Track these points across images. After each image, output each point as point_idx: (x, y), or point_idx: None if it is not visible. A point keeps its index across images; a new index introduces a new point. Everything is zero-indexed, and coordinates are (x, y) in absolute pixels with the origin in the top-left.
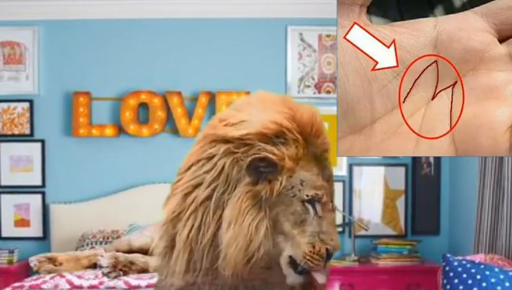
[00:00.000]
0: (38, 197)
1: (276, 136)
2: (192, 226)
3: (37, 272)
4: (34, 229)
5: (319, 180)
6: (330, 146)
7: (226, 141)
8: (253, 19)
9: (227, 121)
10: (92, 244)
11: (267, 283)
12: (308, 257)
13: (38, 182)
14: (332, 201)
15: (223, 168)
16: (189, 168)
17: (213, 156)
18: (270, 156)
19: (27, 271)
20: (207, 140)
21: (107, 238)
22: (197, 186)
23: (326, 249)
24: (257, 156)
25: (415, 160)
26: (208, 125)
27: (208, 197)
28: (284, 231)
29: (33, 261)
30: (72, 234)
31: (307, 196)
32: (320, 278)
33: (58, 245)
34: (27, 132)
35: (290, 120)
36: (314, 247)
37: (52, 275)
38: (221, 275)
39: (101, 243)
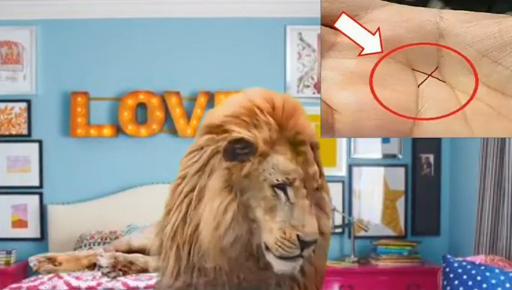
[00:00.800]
0: (36, 197)
1: (250, 117)
2: (177, 219)
3: (36, 272)
4: (32, 230)
5: (292, 164)
6: (305, 129)
7: (209, 130)
8: (252, 19)
9: (213, 111)
10: (90, 245)
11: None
12: (279, 243)
13: (36, 183)
14: (314, 186)
15: (207, 157)
16: (182, 160)
17: (201, 147)
18: (247, 136)
19: (25, 272)
20: (199, 133)
21: (105, 239)
22: (184, 177)
23: (298, 236)
24: (233, 137)
25: (415, 160)
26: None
27: (192, 189)
28: (257, 218)
29: (33, 261)
30: (69, 235)
31: (277, 180)
32: (282, 265)
33: (56, 246)
34: (24, 132)
35: (264, 101)
36: (284, 233)
37: (49, 276)
38: (211, 272)
39: (99, 244)
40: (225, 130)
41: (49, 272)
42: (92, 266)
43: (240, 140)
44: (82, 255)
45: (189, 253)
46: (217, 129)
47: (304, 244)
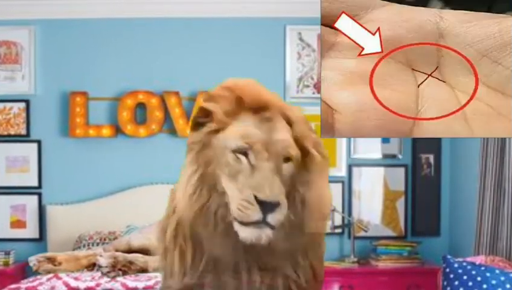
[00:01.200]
0: (35, 198)
1: (211, 96)
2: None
3: (35, 273)
4: (30, 231)
5: (251, 129)
6: (266, 97)
7: (190, 126)
8: (251, 18)
9: None
10: (88, 245)
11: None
12: (239, 206)
13: (35, 183)
14: (280, 152)
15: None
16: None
17: (188, 145)
18: (205, 104)
19: (23, 273)
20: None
21: (104, 239)
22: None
23: (255, 197)
24: (194, 112)
25: (415, 161)
26: None
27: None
28: (225, 187)
29: (32, 261)
30: (68, 235)
31: (237, 145)
32: (245, 232)
33: (55, 247)
34: (23, 132)
35: (227, 81)
36: (242, 193)
37: (48, 276)
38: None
39: (97, 244)
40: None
41: (48, 272)
42: (92, 266)
43: (201, 109)
44: (82, 255)
45: (191, 253)
46: (201, 119)
47: (265, 207)
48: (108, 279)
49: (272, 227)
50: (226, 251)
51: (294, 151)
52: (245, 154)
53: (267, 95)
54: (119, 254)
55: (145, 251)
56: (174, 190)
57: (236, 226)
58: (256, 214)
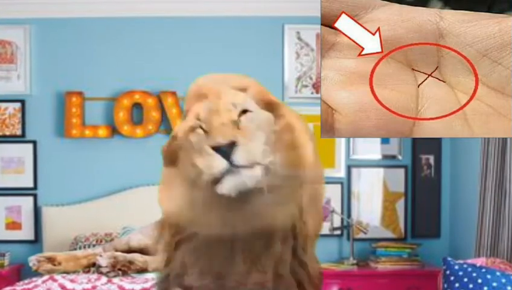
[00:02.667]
0: (30, 199)
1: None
2: None
3: (33, 273)
4: (26, 232)
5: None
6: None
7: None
8: (249, 17)
9: None
10: (85, 247)
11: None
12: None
13: (30, 184)
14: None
15: None
16: None
17: None
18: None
19: (18, 275)
20: None
21: (101, 241)
22: None
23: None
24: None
25: (415, 161)
26: None
27: None
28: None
29: (32, 260)
30: (64, 237)
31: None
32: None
33: (51, 248)
34: (18, 132)
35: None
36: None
37: (43, 278)
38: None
39: (94, 246)
40: None
41: (48, 272)
42: (91, 266)
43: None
44: (81, 255)
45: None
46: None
47: (221, 153)
48: (105, 281)
49: (246, 167)
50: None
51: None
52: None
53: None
54: (118, 253)
55: (144, 251)
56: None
57: (217, 189)
58: (217, 162)
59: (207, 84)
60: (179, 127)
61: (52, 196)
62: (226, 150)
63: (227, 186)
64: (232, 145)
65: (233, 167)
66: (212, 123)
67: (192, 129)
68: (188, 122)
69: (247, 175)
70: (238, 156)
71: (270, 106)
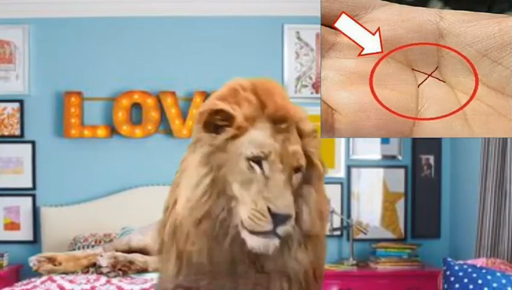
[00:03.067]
0: (29, 199)
1: (232, 97)
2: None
3: (32, 273)
4: (24, 233)
5: (268, 139)
6: (286, 107)
7: (203, 122)
8: (249, 17)
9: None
10: (84, 247)
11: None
12: (250, 216)
13: (29, 185)
14: (293, 164)
15: (195, 138)
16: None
17: (197, 140)
18: (226, 107)
19: (17, 276)
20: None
21: (99, 241)
22: (182, 172)
23: (269, 209)
24: (213, 107)
25: (415, 162)
26: None
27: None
28: (234, 193)
29: (32, 261)
30: (63, 237)
31: (252, 153)
32: (254, 241)
33: (49, 249)
34: (17, 132)
35: (245, 81)
36: (256, 205)
37: (42, 279)
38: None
39: (93, 246)
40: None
41: (48, 272)
42: (92, 266)
43: (219, 111)
44: (82, 255)
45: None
46: (207, 117)
47: (276, 219)
48: (104, 281)
49: (279, 237)
50: (224, 253)
51: (304, 163)
52: (259, 163)
53: (287, 104)
54: (119, 254)
55: (144, 251)
56: (175, 186)
57: (245, 234)
58: (267, 225)
59: (289, 112)
60: (235, 143)
61: (51, 196)
62: (279, 219)
63: (256, 244)
64: (287, 218)
65: (272, 233)
66: (278, 180)
67: (254, 159)
68: (251, 145)
69: (275, 243)
70: (284, 230)
71: (308, 162)
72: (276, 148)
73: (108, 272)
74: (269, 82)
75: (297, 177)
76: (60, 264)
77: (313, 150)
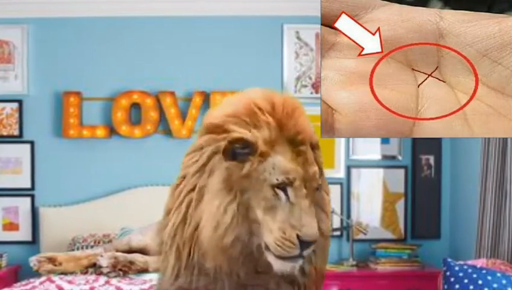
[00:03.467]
0: (28, 200)
1: (249, 117)
2: (176, 219)
3: (28, 276)
4: (23, 233)
5: (291, 164)
6: (305, 128)
7: (210, 130)
8: (248, 17)
9: (213, 111)
10: (82, 248)
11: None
12: (278, 243)
13: (28, 185)
14: (314, 186)
15: (208, 157)
16: (183, 160)
17: (202, 147)
18: (246, 136)
19: (16, 276)
20: (200, 132)
21: (98, 242)
22: (184, 177)
23: (298, 236)
24: (233, 137)
25: (415, 162)
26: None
27: (193, 188)
28: (258, 218)
29: (33, 261)
30: (62, 238)
31: (277, 180)
32: (281, 265)
33: (48, 249)
34: (16, 133)
35: (262, 101)
36: (284, 233)
37: (41, 280)
38: (209, 272)
39: (92, 247)
40: (225, 130)
41: (49, 272)
42: (92, 266)
43: (240, 140)
44: (82, 255)
45: (189, 253)
46: (217, 129)
47: (303, 244)
48: (103, 282)
49: (304, 257)
50: (240, 267)
51: (320, 180)
52: (283, 189)
53: (304, 122)
54: (119, 254)
55: (145, 251)
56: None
57: (271, 258)
58: (296, 251)
59: (304, 130)
60: (258, 169)
61: (49, 196)
62: (306, 244)
63: (283, 268)
64: (314, 242)
65: (299, 256)
66: (303, 205)
67: (279, 186)
68: (276, 172)
69: (299, 263)
70: (309, 252)
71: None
72: (300, 173)
73: (109, 272)
74: (287, 100)
75: (316, 195)
76: (60, 264)
77: (321, 159)
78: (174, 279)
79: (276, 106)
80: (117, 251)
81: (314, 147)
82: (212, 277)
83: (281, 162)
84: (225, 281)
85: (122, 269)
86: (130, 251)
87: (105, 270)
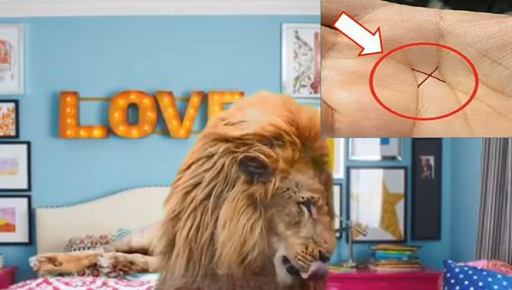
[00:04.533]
0: (24, 201)
1: (275, 138)
2: (192, 225)
3: (25, 278)
4: (20, 235)
5: (316, 183)
6: (329, 150)
7: (226, 140)
8: (246, 16)
9: (227, 120)
10: (79, 249)
11: (262, 284)
12: (300, 257)
13: (24, 186)
14: (330, 204)
15: (222, 167)
16: (189, 166)
17: (213, 155)
18: (261, 156)
19: (12, 278)
20: (208, 138)
21: (95, 243)
22: (196, 185)
23: (320, 251)
24: (248, 154)
25: (415, 163)
26: (209, 124)
27: (207, 197)
28: (279, 232)
29: (33, 261)
30: (59, 239)
31: (303, 198)
32: (289, 278)
33: (45, 251)
34: (12, 133)
35: (288, 123)
36: (307, 248)
37: (38, 281)
38: (218, 275)
39: (89, 248)
40: (245, 144)
41: (49, 272)
42: (93, 266)
43: (254, 158)
44: (82, 255)
45: (200, 258)
46: (235, 140)
47: (323, 259)
48: (100, 284)
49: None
50: (244, 274)
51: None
52: (307, 205)
53: (328, 141)
54: (119, 254)
55: (145, 252)
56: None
57: (280, 269)
58: (316, 265)
59: (327, 146)
60: (281, 187)
61: (46, 197)
62: (325, 259)
63: (288, 281)
64: (331, 256)
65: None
66: (325, 222)
67: (304, 203)
68: (302, 190)
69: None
70: (322, 267)
71: None
72: (323, 191)
73: (109, 273)
74: (314, 121)
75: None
76: (60, 264)
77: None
78: (180, 280)
79: (301, 127)
80: (117, 251)
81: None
82: (221, 281)
83: (305, 180)
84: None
85: (123, 269)
86: (131, 251)
87: (105, 271)
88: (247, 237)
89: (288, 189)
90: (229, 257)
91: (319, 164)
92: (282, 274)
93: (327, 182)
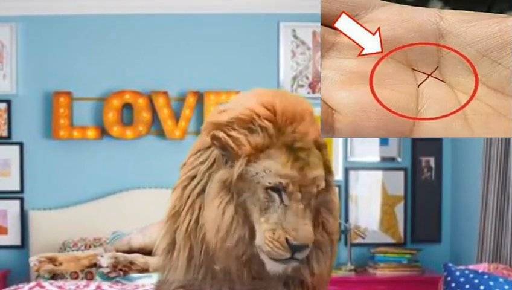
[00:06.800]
0: (16, 203)
1: (251, 123)
2: (190, 219)
3: (17, 281)
4: (12, 237)
5: (286, 169)
6: (307, 133)
7: (217, 128)
8: (243, 15)
9: (221, 109)
10: (73, 252)
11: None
12: (268, 243)
13: (16, 187)
14: (312, 191)
15: (215, 157)
16: (188, 160)
17: (209, 146)
18: (223, 137)
19: (4, 281)
20: (206, 130)
21: (89, 246)
22: (193, 178)
23: (286, 239)
24: (213, 133)
25: (415, 164)
26: (209, 115)
27: (204, 189)
28: (254, 219)
29: (33, 261)
30: (52, 242)
31: (269, 183)
32: (273, 266)
33: (38, 254)
34: (4, 134)
35: (266, 108)
36: (273, 234)
37: (31, 285)
38: (218, 274)
39: (82, 251)
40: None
41: (49, 273)
42: (93, 266)
43: (218, 139)
44: (82, 255)
45: (200, 254)
46: (224, 127)
47: (295, 247)
48: (94, 288)
49: (298, 260)
50: (237, 265)
51: (323, 183)
52: (278, 191)
53: (309, 127)
54: (119, 254)
55: (145, 252)
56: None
57: (263, 257)
58: (285, 254)
59: (307, 133)
60: (251, 171)
61: (39, 199)
62: (297, 248)
63: (275, 268)
64: (306, 247)
65: (291, 259)
66: (296, 210)
67: (272, 188)
68: (269, 175)
69: (294, 265)
70: (302, 255)
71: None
72: (295, 178)
73: (109, 272)
74: (288, 105)
75: (325, 198)
76: (60, 264)
77: (328, 157)
78: (182, 277)
79: (277, 112)
80: (117, 251)
81: (320, 147)
82: (221, 278)
83: (274, 166)
84: (235, 283)
85: (123, 269)
86: (131, 251)
87: (105, 270)
88: (220, 221)
89: (256, 173)
90: (212, 245)
91: (294, 150)
92: (266, 262)
93: (304, 167)
